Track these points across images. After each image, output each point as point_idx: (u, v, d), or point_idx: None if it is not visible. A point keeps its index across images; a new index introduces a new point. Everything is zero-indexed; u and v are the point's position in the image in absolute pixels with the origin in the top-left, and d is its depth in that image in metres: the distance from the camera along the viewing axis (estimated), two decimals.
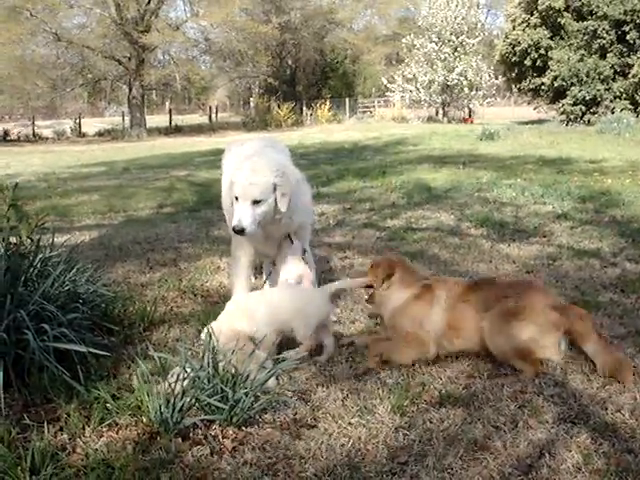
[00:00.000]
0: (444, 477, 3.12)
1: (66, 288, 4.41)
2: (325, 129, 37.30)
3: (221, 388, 3.53)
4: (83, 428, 3.51)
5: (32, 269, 4.40)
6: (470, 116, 42.58)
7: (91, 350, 3.98)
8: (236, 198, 4.78)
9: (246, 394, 3.54)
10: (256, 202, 4.73)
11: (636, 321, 4.99)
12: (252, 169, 4.78)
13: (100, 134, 42.93)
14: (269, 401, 3.68)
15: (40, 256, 4.55)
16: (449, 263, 6.77)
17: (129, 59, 41.54)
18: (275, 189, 4.79)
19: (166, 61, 46.34)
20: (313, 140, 26.12)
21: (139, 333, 4.85)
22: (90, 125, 46.44)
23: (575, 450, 3.31)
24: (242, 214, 4.71)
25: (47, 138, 41.59)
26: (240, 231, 4.72)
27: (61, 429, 3.51)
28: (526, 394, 3.87)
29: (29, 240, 4.51)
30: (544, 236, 7.88)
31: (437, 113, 44.01)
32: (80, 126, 44.99)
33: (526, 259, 6.85)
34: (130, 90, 43.05)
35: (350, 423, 3.59)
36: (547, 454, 3.28)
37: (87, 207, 11.24)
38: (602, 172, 12.89)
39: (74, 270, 4.74)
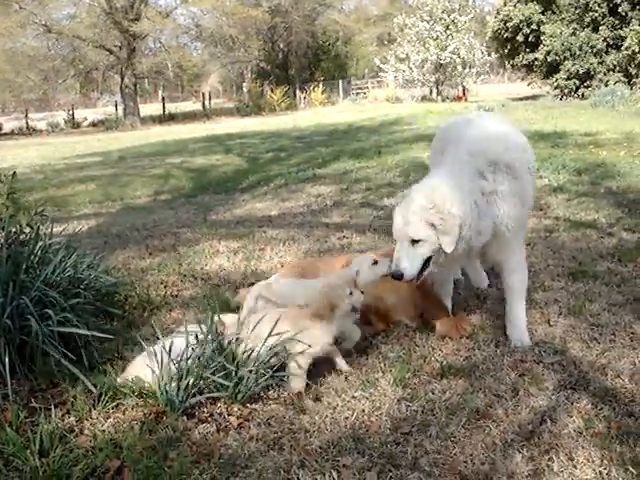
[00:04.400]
0: (447, 446, 3.17)
1: (67, 274, 4.44)
2: (319, 112, 37.18)
3: (225, 366, 3.57)
4: (90, 410, 3.55)
5: (33, 257, 4.43)
6: (464, 94, 42.41)
7: (95, 334, 4.02)
8: None
9: (250, 371, 3.58)
10: None
11: (633, 289, 5.05)
12: None
13: (94, 124, 42.78)
14: (273, 377, 3.72)
15: (40, 244, 4.58)
16: None
17: (120, 48, 41.29)
18: None
19: (157, 49, 46.11)
20: (308, 123, 26.07)
21: (141, 317, 4.89)
22: (84, 116, 46.27)
23: (576, 415, 3.37)
24: None
25: (41, 130, 41.50)
26: None
27: (68, 412, 3.56)
28: (526, 363, 3.92)
29: (29, 228, 4.54)
30: (541, 209, 7.90)
31: (431, 92, 43.81)
32: (74, 117, 44.87)
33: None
34: (122, 79, 42.82)
35: (353, 397, 3.65)
36: (548, 420, 3.33)
37: (84, 197, 11.25)
38: (597, 144, 12.89)
39: (74, 256, 4.77)
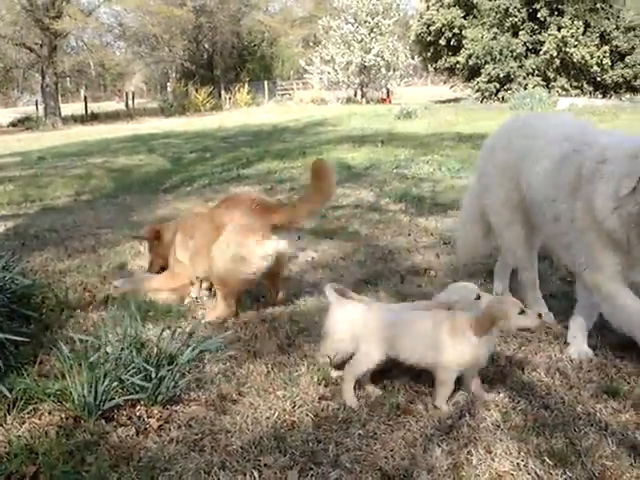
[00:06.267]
0: (368, 442, 3.19)
1: None
2: (244, 113, 37.04)
3: (144, 367, 3.51)
4: (5, 416, 3.45)
5: None
6: (388, 96, 42.85)
7: (9, 337, 3.90)
8: None
9: (170, 371, 3.53)
10: None
11: (549, 285, 5.20)
12: None
13: (14, 124, 41.64)
14: (194, 378, 3.69)
15: None
16: (369, 238, 6.87)
17: (41, 46, 40.38)
18: None
19: (79, 47, 45.34)
20: (233, 124, 25.94)
21: (58, 319, 4.77)
22: (3, 115, 45.06)
23: (494, 409, 3.43)
24: None
25: None
26: None
27: None
28: None
29: None
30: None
31: (355, 94, 44.14)
32: None
33: (443, 231, 6.98)
34: (43, 78, 41.90)
35: (275, 396, 3.63)
36: (467, 414, 3.39)
37: (1, 198, 10.94)
38: None
39: None
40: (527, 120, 4.95)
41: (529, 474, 2.93)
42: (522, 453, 3.07)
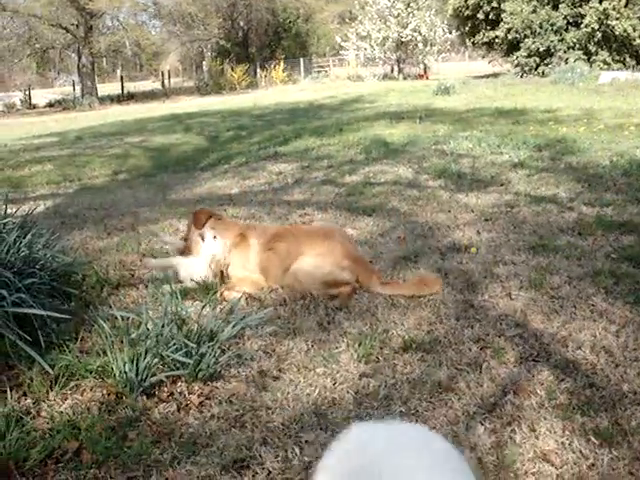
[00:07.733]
0: (410, 420, 3.15)
1: (22, 254, 4.32)
2: (280, 90, 36.98)
3: (185, 343, 3.52)
4: (47, 392, 3.47)
5: None
6: (425, 72, 42.45)
7: (51, 314, 3.92)
8: None
9: (211, 348, 3.53)
10: None
11: (593, 262, 5.08)
12: None
13: (51, 105, 42.07)
14: (234, 355, 3.68)
15: None
16: (409, 214, 6.79)
17: (77, 26, 40.69)
18: None
19: (115, 27, 45.54)
20: (269, 101, 25.91)
21: (98, 297, 4.80)
22: (40, 96, 45.48)
23: (538, 387, 3.37)
24: None
25: None
26: None
27: (25, 394, 3.48)
28: (488, 336, 3.92)
29: None
30: (501, 185, 7.92)
31: (392, 70, 43.78)
32: (30, 97, 44.11)
33: (484, 207, 6.89)
34: (79, 58, 42.26)
35: (316, 373, 3.62)
36: (511, 392, 3.33)
37: (41, 177, 11.04)
38: (557, 121, 12.97)
39: (29, 236, 4.65)
40: None
41: (574, 453, 2.88)
42: (567, 432, 3.01)
